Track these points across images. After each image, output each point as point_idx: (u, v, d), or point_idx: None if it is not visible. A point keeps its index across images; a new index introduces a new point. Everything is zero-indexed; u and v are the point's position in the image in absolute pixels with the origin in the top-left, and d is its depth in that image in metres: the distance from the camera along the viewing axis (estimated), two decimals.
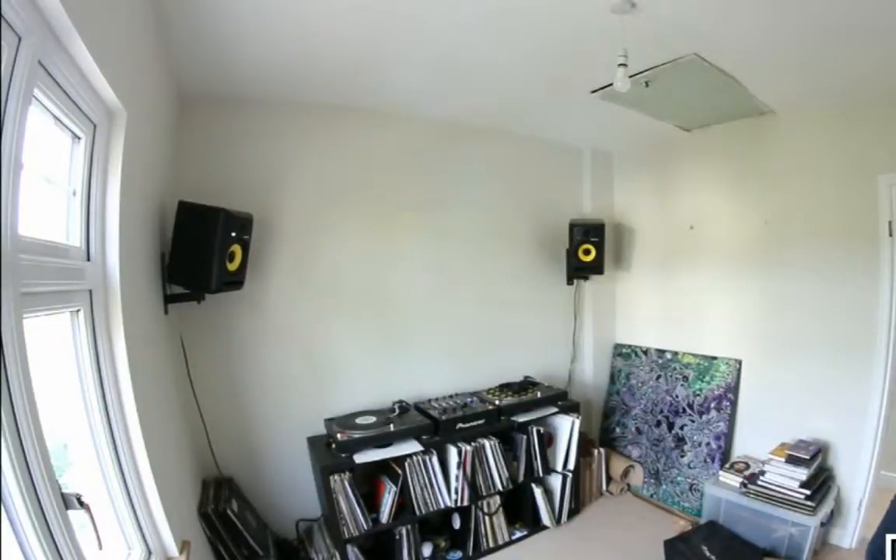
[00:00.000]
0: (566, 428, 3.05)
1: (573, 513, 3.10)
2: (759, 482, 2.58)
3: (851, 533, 2.59)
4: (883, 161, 2.47)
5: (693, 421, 3.25)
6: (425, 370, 3.13)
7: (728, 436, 3.09)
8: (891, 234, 2.47)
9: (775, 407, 2.91)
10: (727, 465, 2.90)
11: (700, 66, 2.21)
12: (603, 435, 3.81)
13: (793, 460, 2.49)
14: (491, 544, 2.78)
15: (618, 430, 3.71)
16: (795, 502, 2.44)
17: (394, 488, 2.46)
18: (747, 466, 2.81)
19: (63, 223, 1.29)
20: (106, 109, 1.36)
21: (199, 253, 1.96)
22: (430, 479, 2.56)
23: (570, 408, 3.14)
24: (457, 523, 2.77)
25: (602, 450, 3.48)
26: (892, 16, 1.73)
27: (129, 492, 1.41)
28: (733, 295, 3.18)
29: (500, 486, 2.77)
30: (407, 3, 1.76)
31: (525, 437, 2.90)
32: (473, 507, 2.70)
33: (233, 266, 2.10)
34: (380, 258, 2.96)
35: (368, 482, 2.59)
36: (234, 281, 2.16)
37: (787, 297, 2.89)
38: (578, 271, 3.56)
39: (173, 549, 1.53)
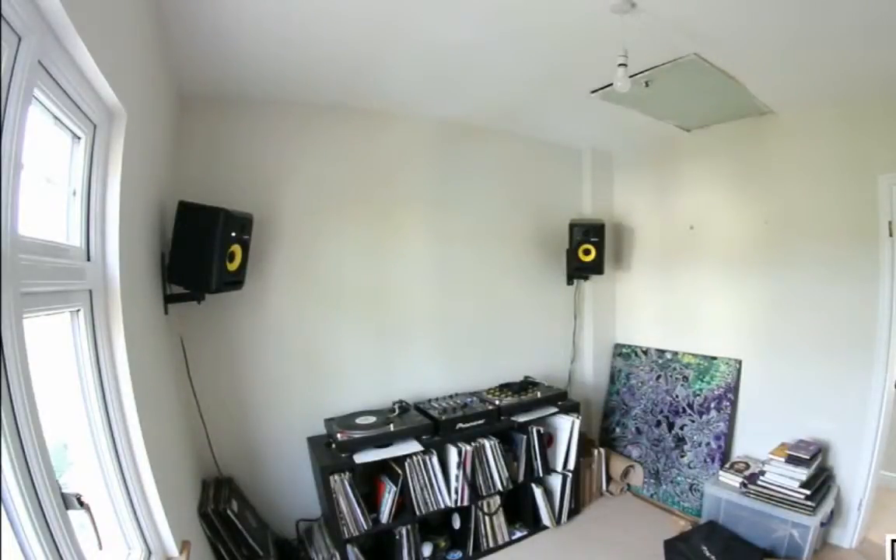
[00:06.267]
0: (566, 428, 3.05)
1: (573, 513, 3.10)
2: (759, 482, 2.58)
3: (851, 533, 2.59)
4: (883, 161, 2.47)
5: (693, 421, 3.25)
6: (425, 370, 3.13)
7: (728, 436, 3.09)
8: (891, 234, 2.47)
9: (775, 407, 2.91)
10: (727, 465, 2.90)
11: (700, 66, 2.21)
12: (603, 435, 3.81)
13: (793, 460, 2.49)
14: (491, 544, 2.78)
15: (618, 430, 3.71)
16: (795, 502, 2.44)
17: (394, 488, 2.46)
18: (747, 466, 2.81)
19: (63, 223, 1.29)
20: (106, 109, 1.36)
21: (199, 253, 1.96)
22: (430, 479, 2.56)
23: (570, 408, 3.14)
24: (457, 523, 2.77)
25: (602, 450, 3.47)
26: (893, 16, 1.73)
27: (129, 492, 1.41)
28: (733, 295, 3.18)
29: (500, 486, 2.77)
30: (406, 6, 1.76)
31: (525, 437, 2.90)
32: (473, 507, 2.70)
33: (233, 266, 2.10)
34: (380, 258, 2.96)
35: (368, 482, 2.59)
36: (234, 281, 2.16)
37: (788, 297, 2.89)
38: (578, 271, 3.57)
39: (173, 550, 1.53)
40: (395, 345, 3.02)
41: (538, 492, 2.96)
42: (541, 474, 2.94)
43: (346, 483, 2.33)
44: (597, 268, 3.46)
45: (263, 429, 2.61)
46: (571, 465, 3.05)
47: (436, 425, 2.66)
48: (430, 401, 2.99)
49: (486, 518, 2.76)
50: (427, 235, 3.13)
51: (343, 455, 2.37)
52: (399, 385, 2.98)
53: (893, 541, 2.00)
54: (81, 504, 1.09)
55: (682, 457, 3.25)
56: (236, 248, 2.10)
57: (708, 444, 3.14)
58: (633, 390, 3.69)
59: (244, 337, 2.55)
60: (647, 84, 2.38)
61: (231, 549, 2.06)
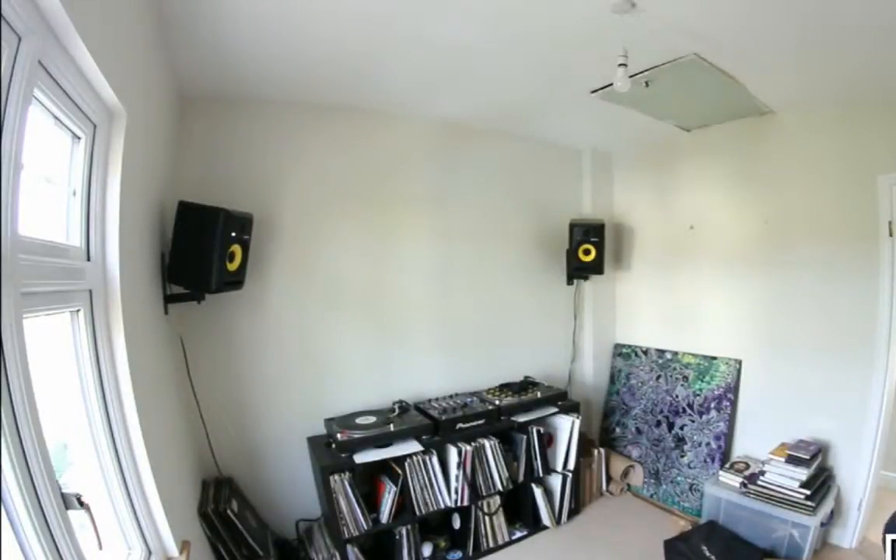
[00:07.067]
0: (566, 428, 3.05)
1: (573, 513, 3.10)
2: (759, 482, 2.58)
3: (851, 533, 2.59)
4: (883, 161, 2.47)
5: (693, 421, 3.25)
6: (425, 370, 3.13)
7: (728, 436, 3.09)
8: (891, 234, 2.47)
9: (775, 407, 2.91)
10: (727, 465, 2.90)
11: (700, 66, 2.21)
12: (603, 435, 3.81)
13: (793, 460, 2.49)
14: (491, 544, 2.78)
15: (618, 430, 3.71)
16: (795, 502, 2.44)
17: (394, 488, 2.46)
18: (747, 466, 2.81)
19: (63, 223, 1.29)
20: (106, 109, 1.36)
21: (199, 253, 1.96)
22: (430, 479, 2.56)
23: (570, 408, 3.14)
24: (457, 523, 2.77)
25: (602, 450, 3.47)
26: (893, 16, 1.73)
27: (129, 492, 1.41)
28: (733, 295, 3.18)
29: (500, 486, 2.77)
30: (407, 8, 1.76)
31: (525, 437, 2.90)
32: (473, 507, 2.70)
33: (233, 266, 2.10)
34: (380, 258, 2.96)
35: (368, 482, 2.59)
36: (234, 281, 2.16)
37: (787, 297, 2.89)
38: (578, 271, 3.56)
39: (173, 550, 1.53)
40: (395, 344, 3.02)
41: (538, 492, 2.96)
42: (541, 474, 2.94)
43: (346, 483, 2.33)
44: (597, 268, 3.46)
45: (263, 429, 2.61)
46: (571, 465, 3.05)
47: (436, 425, 2.66)
48: (430, 401, 2.99)
49: (486, 518, 2.76)
50: (427, 236, 3.12)
51: (343, 455, 2.37)
52: (399, 385, 2.98)
53: (894, 541, 2.00)
54: (81, 504, 1.09)
55: (682, 457, 3.25)
56: (236, 248, 2.10)
57: (708, 444, 3.14)
58: (633, 390, 3.69)
59: (244, 337, 2.55)
60: (647, 84, 2.38)
61: (231, 549, 2.06)
